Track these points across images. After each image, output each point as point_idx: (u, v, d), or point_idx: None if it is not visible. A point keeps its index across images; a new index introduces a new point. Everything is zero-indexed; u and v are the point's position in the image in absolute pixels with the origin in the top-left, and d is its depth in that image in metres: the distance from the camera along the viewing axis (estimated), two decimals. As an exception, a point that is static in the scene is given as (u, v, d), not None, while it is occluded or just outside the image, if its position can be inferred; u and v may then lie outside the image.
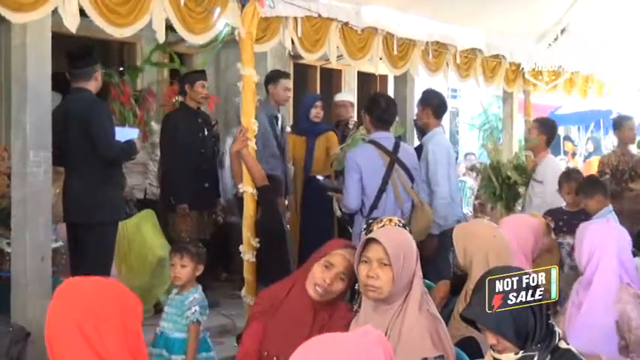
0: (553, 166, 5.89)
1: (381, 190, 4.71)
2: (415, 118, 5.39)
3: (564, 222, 4.96)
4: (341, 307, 2.88)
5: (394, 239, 2.63)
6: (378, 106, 4.83)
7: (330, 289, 2.77)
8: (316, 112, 6.36)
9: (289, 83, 5.86)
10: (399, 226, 3.32)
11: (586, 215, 4.81)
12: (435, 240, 5.00)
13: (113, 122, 4.92)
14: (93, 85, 4.78)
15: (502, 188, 5.77)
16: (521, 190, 5.86)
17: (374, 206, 4.72)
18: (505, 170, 5.78)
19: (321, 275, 2.77)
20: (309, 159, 6.25)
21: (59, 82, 5.16)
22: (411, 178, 4.82)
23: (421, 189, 4.97)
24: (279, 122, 5.85)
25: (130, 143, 4.91)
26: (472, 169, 6.36)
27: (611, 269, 3.22)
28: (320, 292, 2.76)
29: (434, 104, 5.43)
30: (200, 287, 3.84)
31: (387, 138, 4.84)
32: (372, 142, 4.79)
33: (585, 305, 3.23)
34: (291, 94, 5.92)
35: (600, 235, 3.26)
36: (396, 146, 4.80)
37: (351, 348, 1.49)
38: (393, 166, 4.73)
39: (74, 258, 4.87)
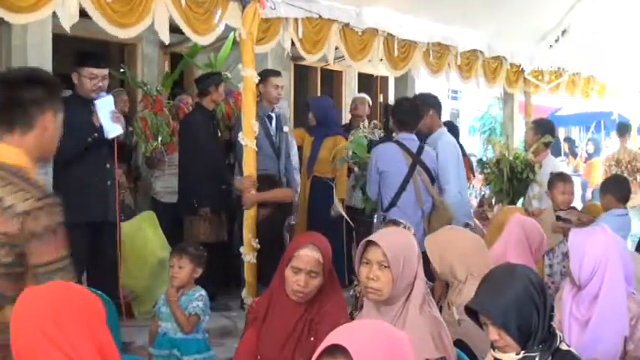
0: (553, 166, 5.87)
1: (402, 188, 4.87)
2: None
3: None
4: (333, 300, 2.89)
5: (393, 241, 2.61)
6: (401, 108, 5.08)
7: (306, 290, 2.82)
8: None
9: (280, 81, 5.80)
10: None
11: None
12: None
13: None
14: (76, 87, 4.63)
15: (511, 183, 5.68)
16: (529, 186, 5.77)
17: (392, 204, 4.88)
18: (520, 165, 5.69)
19: (294, 280, 2.81)
20: (313, 159, 6.26)
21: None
22: (432, 180, 4.98)
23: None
24: (274, 122, 5.83)
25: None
26: (479, 162, 6.25)
27: (619, 281, 3.11)
28: (300, 295, 2.83)
29: (436, 104, 5.45)
30: (201, 288, 3.82)
31: (411, 139, 5.01)
32: (397, 142, 4.96)
33: (595, 319, 3.11)
34: (282, 91, 5.87)
35: (602, 248, 3.11)
36: (420, 148, 4.97)
37: (378, 326, 1.68)
38: (415, 167, 4.90)
39: None
